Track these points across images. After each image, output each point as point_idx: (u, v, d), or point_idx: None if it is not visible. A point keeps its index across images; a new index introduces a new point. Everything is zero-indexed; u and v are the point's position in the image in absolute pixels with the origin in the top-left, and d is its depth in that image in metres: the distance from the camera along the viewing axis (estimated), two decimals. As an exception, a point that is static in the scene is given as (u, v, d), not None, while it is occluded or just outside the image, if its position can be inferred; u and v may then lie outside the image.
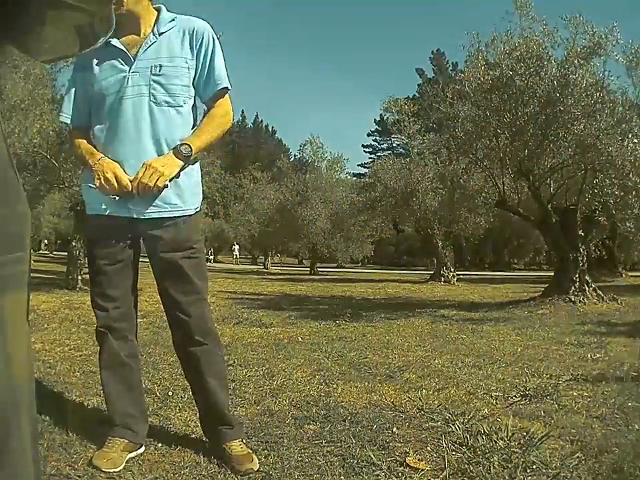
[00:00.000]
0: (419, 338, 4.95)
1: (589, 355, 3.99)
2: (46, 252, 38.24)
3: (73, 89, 1.81)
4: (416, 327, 5.77)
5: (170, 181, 1.71)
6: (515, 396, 2.80)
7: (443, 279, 15.51)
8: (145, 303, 6.11)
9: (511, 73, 7.15)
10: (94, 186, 1.72)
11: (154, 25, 1.75)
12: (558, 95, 6.92)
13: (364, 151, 55.62)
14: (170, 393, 2.65)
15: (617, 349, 4.27)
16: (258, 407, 2.52)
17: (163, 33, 1.75)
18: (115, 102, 1.71)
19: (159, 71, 1.71)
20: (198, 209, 1.84)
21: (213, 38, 1.79)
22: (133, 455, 1.81)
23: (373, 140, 54.96)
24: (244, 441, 1.90)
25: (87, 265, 1.95)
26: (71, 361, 3.40)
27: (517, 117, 7.37)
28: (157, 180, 1.66)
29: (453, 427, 2.21)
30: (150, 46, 1.73)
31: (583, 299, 7.59)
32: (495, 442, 2.02)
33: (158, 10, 1.79)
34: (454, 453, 1.97)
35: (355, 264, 36.69)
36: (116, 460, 1.73)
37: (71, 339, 4.28)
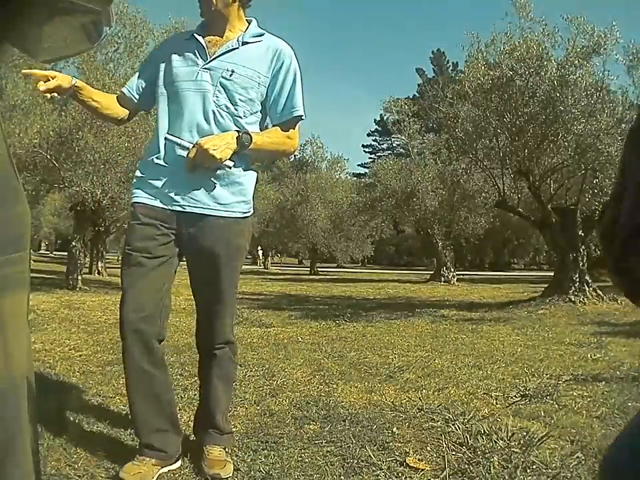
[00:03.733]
0: (419, 338, 4.95)
1: (589, 355, 3.99)
2: (46, 252, 38.26)
3: (139, 72, 1.90)
4: (416, 327, 5.77)
5: (225, 161, 1.68)
6: (515, 396, 2.80)
7: (442, 278, 15.51)
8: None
9: (511, 73, 7.15)
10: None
11: (242, 34, 1.78)
12: (558, 94, 6.92)
13: (364, 151, 55.57)
14: (170, 393, 2.65)
15: (616, 349, 4.27)
16: (258, 407, 2.52)
17: (246, 43, 1.77)
18: (181, 91, 1.73)
19: (229, 76, 1.72)
20: (245, 215, 1.80)
21: (296, 66, 1.80)
22: (165, 470, 1.73)
23: (372, 140, 54.93)
24: (227, 450, 1.87)
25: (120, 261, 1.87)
26: (71, 361, 3.40)
27: (517, 117, 7.37)
28: (210, 163, 1.66)
29: (453, 427, 2.21)
30: (230, 50, 1.75)
31: (583, 298, 7.59)
32: (495, 442, 2.02)
33: (249, 22, 1.82)
34: (454, 452, 1.97)
35: (355, 264, 36.69)
36: (145, 475, 1.65)
37: (71, 339, 4.27)
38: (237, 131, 1.71)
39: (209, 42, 1.77)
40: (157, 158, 1.74)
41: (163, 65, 1.79)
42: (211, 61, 1.74)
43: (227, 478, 1.73)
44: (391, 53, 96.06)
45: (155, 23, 9.05)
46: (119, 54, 8.86)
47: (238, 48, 1.76)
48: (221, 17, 1.76)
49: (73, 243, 9.53)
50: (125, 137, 8.12)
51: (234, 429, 2.12)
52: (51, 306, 6.49)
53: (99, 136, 8.14)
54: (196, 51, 1.76)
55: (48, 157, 8.17)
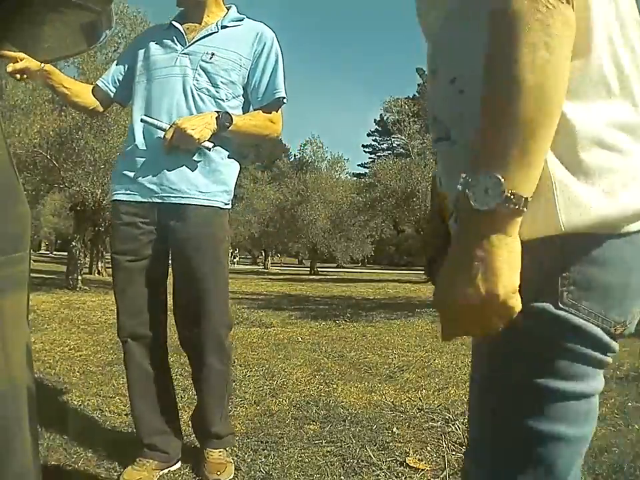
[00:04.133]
0: (419, 338, 4.95)
1: (589, 355, 3.99)
2: (46, 252, 38.28)
3: (116, 62, 1.86)
4: (416, 327, 5.78)
5: (205, 141, 1.62)
6: (514, 396, 2.80)
7: (443, 279, 15.50)
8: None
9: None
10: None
11: (221, 19, 1.75)
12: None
13: (364, 151, 55.66)
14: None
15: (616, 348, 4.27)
16: (258, 407, 2.52)
17: (225, 27, 1.74)
18: (158, 77, 1.68)
19: (210, 59, 1.68)
20: (227, 207, 1.73)
21: (278, 48, 1.77)
22: (165, 471, 1.74)
23: (372, 140, 54.98)
24: (228, 450, 1.83)
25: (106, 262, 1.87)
26: (71, 361, 3.40)
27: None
28: (188, 144, 1.60)
29: (453, 427, 2.22)
30: (209, 35, 1.72)
31: (583, 298, 7.59)
32: (495, 442, 2.02)
33: (228, 9, 1.81)
34: (454, 453, 1.97)
35: (355, 264, 36.71)
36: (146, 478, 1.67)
37: (71, 338, 4.28)
38: (216, 111, 1.66)
39: (187, 29, 1.75)
40: (132, 147, 1.69)
41: (140, 55, 1.75)
42: (190, 45, 1.71)
43: None
44: (391, 52, 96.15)
45: (154, 22, 9.06)
46: (119, 54, 8.87)
47: (217, 32, 1.73)
48: (197, 4, 1.75)
49: (73, 243, 9.53)
50: (125, 137, 8.12)
51: (234, 429, 2.12)
52: (51, 306, 6.49)
53: (99, 136, 8.15)
54: (174, 37, 1.73)
55: (48, 157, 8.18)
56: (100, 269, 14.74)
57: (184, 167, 1.64)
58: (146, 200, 1.66)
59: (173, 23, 1.76)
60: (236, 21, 1.77)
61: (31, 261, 0.69)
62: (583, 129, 0.54)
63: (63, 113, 8.31)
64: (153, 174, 1.65)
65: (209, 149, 1.65)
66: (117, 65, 1.85)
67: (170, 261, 1.75)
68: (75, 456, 1.81)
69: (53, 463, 1.75)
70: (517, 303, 0.53)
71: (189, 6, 1.77)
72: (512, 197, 0.50)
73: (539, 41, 0.48)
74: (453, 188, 0.55)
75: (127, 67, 1.81)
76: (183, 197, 1.64)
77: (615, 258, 0.57)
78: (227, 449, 1.85)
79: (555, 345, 0.58)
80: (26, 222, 0.62)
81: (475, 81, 0.54)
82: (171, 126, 1.60)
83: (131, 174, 1.68)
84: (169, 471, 1.75)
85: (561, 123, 0.52)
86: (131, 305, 1.68)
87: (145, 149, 1.67)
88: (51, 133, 8.09)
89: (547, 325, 0.57)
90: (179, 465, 1.79)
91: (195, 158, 1.65)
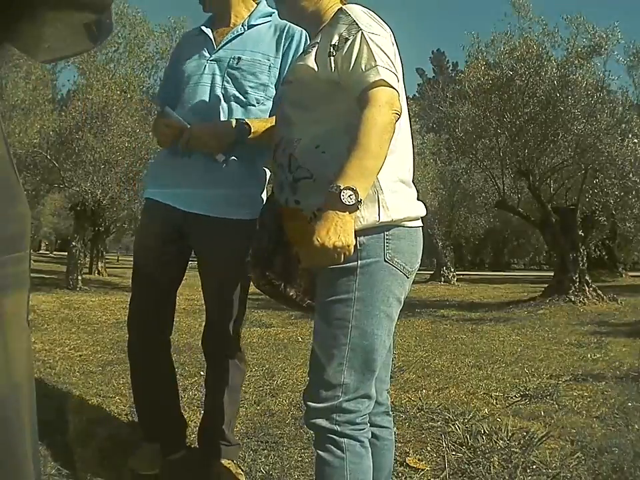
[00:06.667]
0: (419, 338, 4.95)
1: (589, 355, 3.99)
2: (46, 252, 38.27)
3: (165, 75, 1.88)
4: (416, 327, 5.77)
5: (221, 153, 1.58)
6: (514, 396, 2.80)
7: (443, 278, 15.50)
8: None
9: (511, 73, 7.16)
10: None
11: (247, 17, 1.69)
12: (558, 94, 6.93)
13: (364, 150, 55.49)
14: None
15: (616, 349, 4.27)
16: (258, 407, 2.52)
17: (253, 25, 1.67)
18: (190, 86, 1.65)
19: (237, 64, 1.62)
20: (252, 218, 1.60)
21: (308, 42, 1.63)
22: (169, 459, 1.74)
23: (373, 140, 54.80)
24: (235, 462, 1.78)
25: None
26: (71, 361, 3.40)
27: (517, 117, 7.38)
28: (201, 148, 1.57)
29: (453, 427, 2.21)
30: (236, 37, 1.66)
31: (583, 299, 7.60)
32: (495, 442, 2.02)
33: (258, 4, 1.73)
34: (454, 453, 1.97)
35: (355, 264, 36.63)
36: (153, 463, 1.70)
37: (71, 338, 4.28)
38: (237, 119, 1.59)
39: (217, 32, 1.69)
40: (169, 150, 1.66)
41: (175, 63, 1.75)
42: (217, 50, 1.66)
43: None
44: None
45: (154, 22, 9.06)
46: (119, 54, 8.88)
47: (243, 33, 1.67)
48: (222, 5, 1.70)
49: (73, 243, 9.53)
50: (125, 137, 8.14)
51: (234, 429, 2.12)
52: (51, 306, 6.49)
53: (99, 136, 8.15)
54: (203, 43, 1.69)
55: (48, 157, 8.18)
56: (100, 269, 14.74)
57: (213, 175, 1.60)
58: (169, 203, 1.63)
59: (202, 28, 1.71)
60: (264, 16, 1.69)
61: (31, 261, 0.69)
62: (395, 171, 1.15)
63: (62, 113, 8.32)
64: (183, 180, 1.61)
65: (218, 161, 1.59)
66: (164, 81, 1.85)
67: (186, 267, 1.78)
68: (75, 456, 1.81)
69: (52, 463, 1.75)
70: (352, 249, 1.04)
71: (215, 9, 1.72)
72: (359, 200, 1.02)
73: (383, 134, 1.05)
74: (311, 203, 1.12)
75: (170, 79, 1.77)
76: (208, 209, 1.60)
77: (408, 237, 1.16)
78: (234, 461, 1.78)
79: (384, 281, 1.12)
80: (26, 222, 0.62)
81: (331, 147, 1.13)
82: (186, 130, 1.57)
83: (162, 176, 1.68)
84: (173, 458, 1.75)
85: (388, 167, 1.09)
86: (143, 302, 1.71)
87: (180, 153, 1.62)
88: (51, 133, 8.10)
89: (379, 268, 1.11)
90: (183, 452, 1.79)
91: (224, 167, 1.60)
